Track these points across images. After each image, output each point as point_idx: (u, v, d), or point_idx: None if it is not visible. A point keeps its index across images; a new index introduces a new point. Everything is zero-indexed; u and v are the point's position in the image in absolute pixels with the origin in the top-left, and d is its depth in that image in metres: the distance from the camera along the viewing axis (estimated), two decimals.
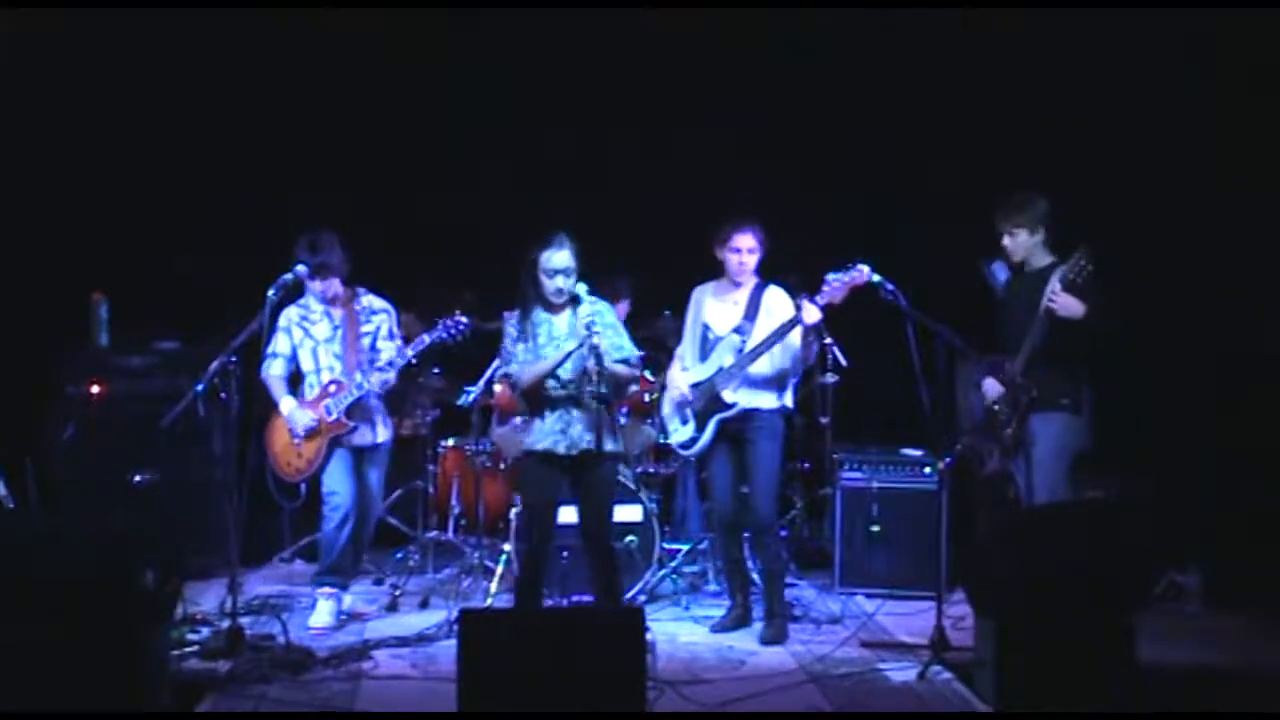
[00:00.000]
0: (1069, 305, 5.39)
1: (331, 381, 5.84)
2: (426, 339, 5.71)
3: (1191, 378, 6.70)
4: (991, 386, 5.65)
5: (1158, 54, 6.73)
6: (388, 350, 5.90)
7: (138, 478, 6.53)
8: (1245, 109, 6.61)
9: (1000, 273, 6.13)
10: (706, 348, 5.83)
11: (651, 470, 6.69)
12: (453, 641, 4.68)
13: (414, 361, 5.87)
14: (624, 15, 7.18)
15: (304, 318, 5.93)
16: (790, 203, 6.94)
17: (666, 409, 5.97)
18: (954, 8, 7.01)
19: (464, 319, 5.70)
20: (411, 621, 5.92)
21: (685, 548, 6.70)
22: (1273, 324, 6.55)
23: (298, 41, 7.18)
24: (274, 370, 5.92)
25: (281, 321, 5.88)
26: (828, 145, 7.37)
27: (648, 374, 6.52)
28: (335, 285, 5.86)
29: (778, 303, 5.78)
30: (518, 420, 6.53)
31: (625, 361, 5.38)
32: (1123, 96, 6.88)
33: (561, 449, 5.26)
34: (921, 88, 7.25)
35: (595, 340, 5.09)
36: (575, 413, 5.28)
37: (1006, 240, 5.66)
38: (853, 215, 7.15)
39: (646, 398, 6.69)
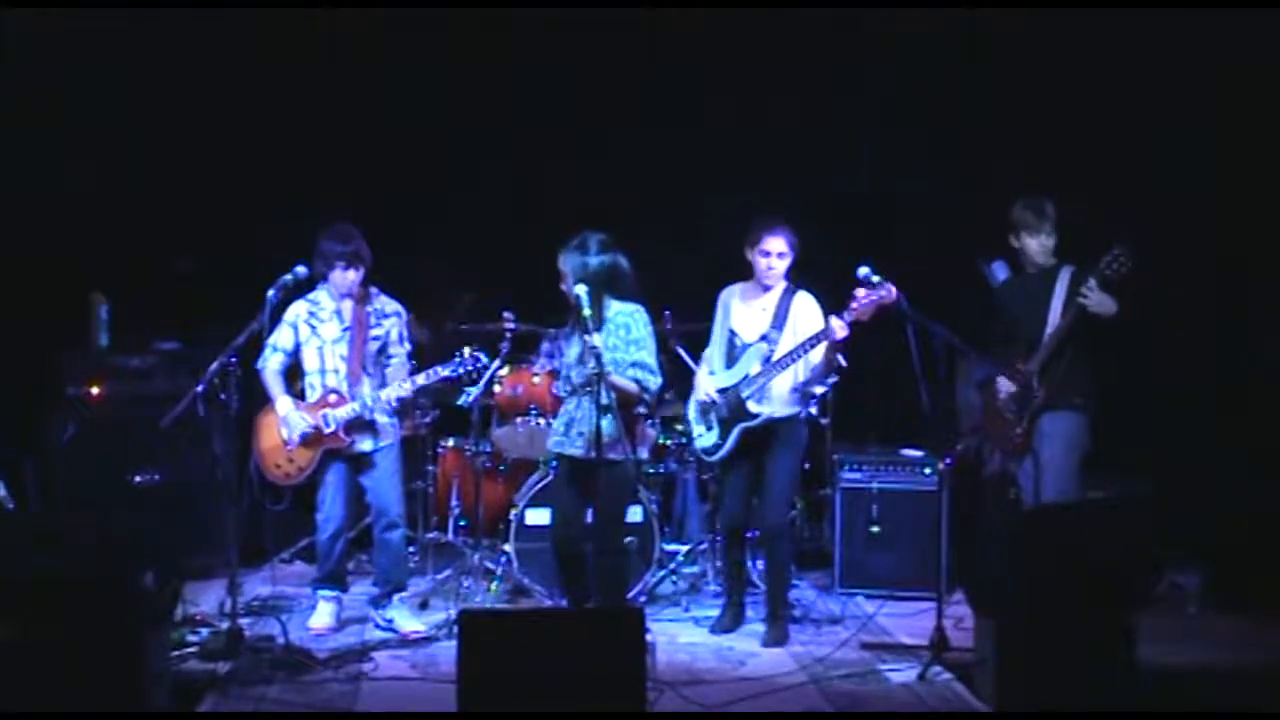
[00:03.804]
0: (1104, 302, 5.35)
1: (332, 390, 5.69)
2: (441, 372, 5.65)
3: (1192, 378, 6.69)
4: (1004, 385, 5.62)
5: (1158, 54, 6.72)
6: (398, 355, 5.82)
7: (138, 478, 6.54)
8: (1246, 109, 6.61)
9: (1000, 272, 6.12)
10: (734, 354, 5.72)
11: (651, 470, 6.68)
12: (453, 642, 4.67)
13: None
14: (624, 15, 7.17)
15: (312, 314, 5.75)
16: (790, 203, 6.92)
17: (692, 413, 5.89)
18: (953, 7, 7.01)
19: (482, 358, 5.66)
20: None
21: (684, 549, 6.70)
22: (1273, 323, 6.54)
23: (298, 41, 7.17)
24: (272, 364, 5.74)
25: (288, 315, 5.69)
26: (827, 145, 7.36)
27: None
28: (359, 278, 5.70)
29: (806, 311, 5.64)
30: (518, 420, 6.54)
31: (635, 378, 5.33)
32: (1121, 96, 6.87)
33: (567, 450, 5.42)
34: (921, 87, 7.25)
35: (593, 342, 5.10)
36: (579, 415, 5.32)
37: (1044, 240, 5.56)
38: (853, 215, 7.14)
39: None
